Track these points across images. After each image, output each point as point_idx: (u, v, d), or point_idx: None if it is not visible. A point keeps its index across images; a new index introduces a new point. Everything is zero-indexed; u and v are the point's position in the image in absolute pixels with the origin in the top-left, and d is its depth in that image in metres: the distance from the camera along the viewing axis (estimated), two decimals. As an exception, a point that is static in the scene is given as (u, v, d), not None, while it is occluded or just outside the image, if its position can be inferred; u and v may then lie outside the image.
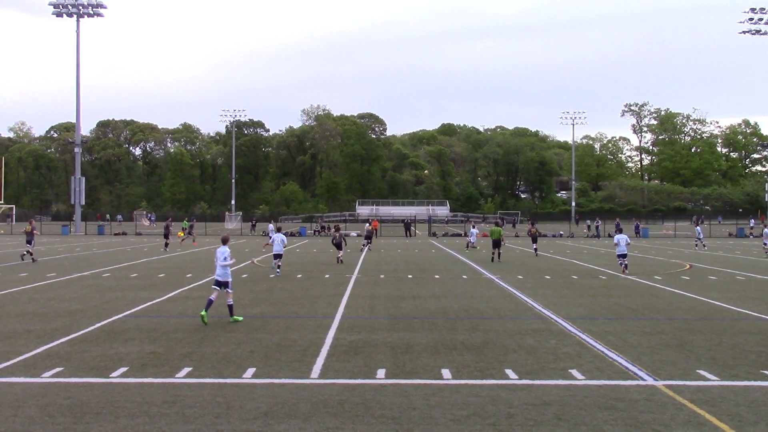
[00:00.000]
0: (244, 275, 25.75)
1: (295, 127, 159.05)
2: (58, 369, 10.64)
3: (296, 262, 32.85)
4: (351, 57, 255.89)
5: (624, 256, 27.20)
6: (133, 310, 16.71)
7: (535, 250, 37.89)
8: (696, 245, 44.97)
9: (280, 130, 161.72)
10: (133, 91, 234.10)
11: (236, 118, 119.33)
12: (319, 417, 8.23)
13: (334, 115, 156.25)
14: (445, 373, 10.39)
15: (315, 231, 70.98)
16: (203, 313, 14.66)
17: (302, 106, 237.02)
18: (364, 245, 41.14)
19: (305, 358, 11.40)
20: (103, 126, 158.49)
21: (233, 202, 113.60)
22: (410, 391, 9.36)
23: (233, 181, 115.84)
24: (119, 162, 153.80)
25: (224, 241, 15.87)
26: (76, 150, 75.93)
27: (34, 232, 32.80)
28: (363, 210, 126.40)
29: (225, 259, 15.22)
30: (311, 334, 13.58)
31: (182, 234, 56.93)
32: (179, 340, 12.94)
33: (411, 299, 18.88)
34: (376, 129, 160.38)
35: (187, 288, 21.45)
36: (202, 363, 11.01)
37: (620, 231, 31.53)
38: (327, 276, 25.48)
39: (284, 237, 26.39)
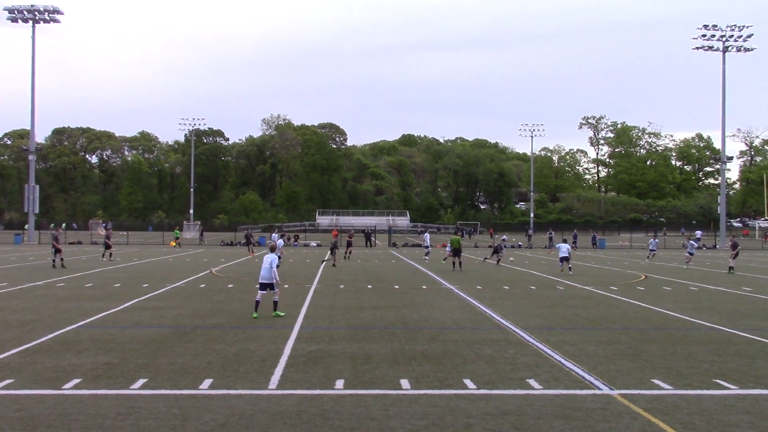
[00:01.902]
0: (202, 285, 25.46)
1: (255, 137, 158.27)
2: (8, 381, 10.38)
3: (255, 272, 32.54)
4: (312, 67, 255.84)
5: (566, 259, 31.60)
6: (87, 321, 16.39)
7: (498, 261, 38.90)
8: (648, 257, 45.51)
9: (240, 140, 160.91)
10: (90, 99, 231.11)
11: (195, 127, 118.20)
12: (276, 428, 8.15)
13: (295, 125, 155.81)
14: (404, 383, 10.38)
15: (244, 241, 70.38)
16: (255, 314, 17.01)
17: (262, 116, 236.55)
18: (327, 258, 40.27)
19: (263, 368, 11.30)
20: (59, 133, 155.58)
21: (192, 211, 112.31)
22: (369, 402, 9.34)
23: (192, 190, 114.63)
24: (75, 170, 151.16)
25: (272, 249, 18.17)
26: (31, 158, 74.40)
27: None
28: (323, 220, 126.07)
29: (271, 264, 17.10)
30: (270, 344, 13.47)
31: (174, 243, 59.32)
32: (134, 351, 12.72)
33: (370, 309, 18.86)
34: (337, 139, 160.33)
35: (143, 298, 21.12)
36: (157, 374, 10.84)
37: (564, 242, 33.17)
38: (286, 286, 25.30)
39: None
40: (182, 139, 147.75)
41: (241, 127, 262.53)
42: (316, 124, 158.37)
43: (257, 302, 17.29)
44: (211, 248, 59.80)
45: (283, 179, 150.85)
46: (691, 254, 41.77)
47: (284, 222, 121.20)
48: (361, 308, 19.08)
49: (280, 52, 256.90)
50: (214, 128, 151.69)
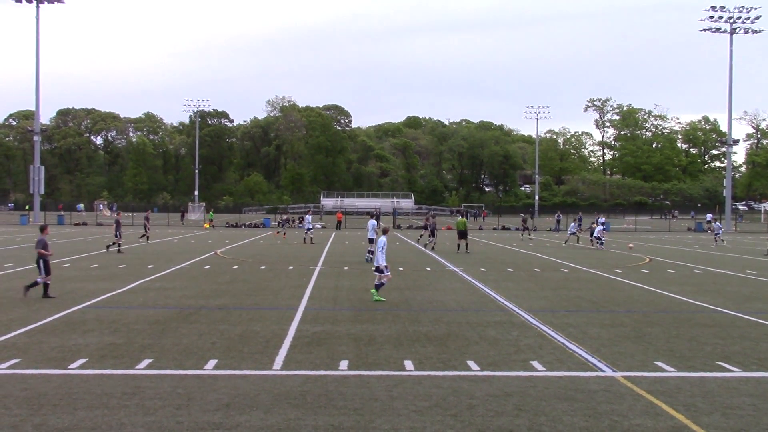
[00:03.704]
0: (207, 266, 25.54)
1: (259, 118, 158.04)
2: (15, 360, 10.46)
3: (260, 253, 32.67)
4: (317, 49, 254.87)
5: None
6: (92, 301, 16.47)
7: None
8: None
9: (245, 121, 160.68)
10: (95, 80, 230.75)
11: (200, 108, 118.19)
12: (280, 408, 8.21)
13: (300, 107, 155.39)
14: (408, 364, 10.42)
15: (279, 222, 70.61)
16: (377, 296, 17.01)
17: (267, 97, 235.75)
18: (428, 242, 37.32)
19: (268, 349, 11.35)
20: (64, 114, 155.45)
21: (196, 192, 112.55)
22: (372, 383, 9.38)
23: (196, 171, 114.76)
24: (80, 151, 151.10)
25: (385, 232, 18.53)
26: (36, 138, 74.47)
27: None
28: (327, 202, 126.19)
29: (379, 247, 17.25)
30: (274, 325, 13.52)
31: (207, 225, 60.69)
32: (140, 331, 12.79)
33: (375, 291, 18.88)
34: (342, 121, 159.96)
35: (148, 279, 21.20)
36: (162, 355, 10.91)
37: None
38: (291, 267, 25.39)
39: (375, 222, 28.45)
40: (187, 121, 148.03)
41: (245, 108, 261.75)
42: (320, 106, 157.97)
43: (376, 285, 17.35)
44: (215, 229, 59.90)
45: (288, 161, 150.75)
46: (718, 235, 41.99)
47: (289, 204, 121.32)
48: (366, 290, 19.10)
49: (285, 34, 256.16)
50: (219, 110, 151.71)
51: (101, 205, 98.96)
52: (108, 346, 11.50)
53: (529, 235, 50.07)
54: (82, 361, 10.45)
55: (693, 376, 9.97)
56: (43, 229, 18.32)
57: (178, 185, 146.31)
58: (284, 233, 47.77)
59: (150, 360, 10.53)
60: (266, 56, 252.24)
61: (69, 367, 10.10)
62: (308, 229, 40.17)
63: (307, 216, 41.36)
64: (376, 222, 28.92)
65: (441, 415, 8.04)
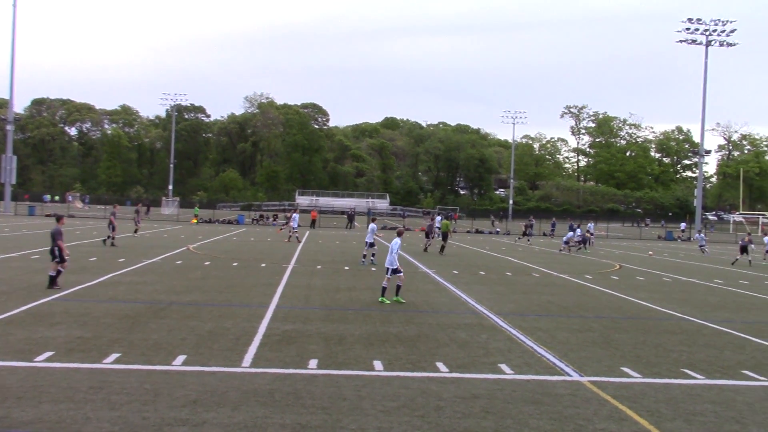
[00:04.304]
0: (179, 262, 25.37)
1: (236, 114, 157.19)
2: (-21, 352, 10.32)
3: (232, 250, 32.52)
4: (296, 47, 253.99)
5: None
6: (61, 294, 16.30)
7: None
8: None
9: (222, 117, 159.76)
10: (71, 70, 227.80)
11: (177, 102, 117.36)
12: (248, 406, 8.20)
13: (277, 104, 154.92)
14: (377, 364, 10.46)
15: (253, 219, 70.37)
16: (398, 298, 16.97)
17: (245, 93, 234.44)
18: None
19: (237, 346, 11.32)
20: (38, 104, 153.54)
21: (171, 187, 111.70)
22: (341, 382, 9.40)
23: (172, 166, 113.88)
24: (53, 142, 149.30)
25: (399, 234, 18.17)
26: (9, 127, 73.45)
27: None
28: (303, 200, 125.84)
29: (391, 249, 17.03)
30: (245, 322, 13.48)
31: (195, 221, 60.56)
32: (108, 325, 12.68)
33: (346, 291, 18.92)
34: (319, 119, 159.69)
35: (119, 273, 21.02)
36: (131, 349, 10.83)
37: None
38: (263, 265, 25.31)
39: (375, 226, 28.45)
40: (163, 114, 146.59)
41: (223, 104, 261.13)
42: (298, 104, 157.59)
43: (397, 287, 17.22)
44: (188, 225, 59.51)
45: (264, 158, 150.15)
46: (703, 246, 42.69)
47: (264, 201, 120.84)
48: (338, 289, 19.13)
49: (265, 32, 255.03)
50: (196, 104, 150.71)
51: (71, 197, 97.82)
52: (76, 339, 11.40)
53: (528, 240, 50.72)
54: (48, 354, 10.35)
55: (658, 383, 10.11)
56: (59, 219, 18.44)
57: (152, 179, 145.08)
58: (286, 228, 48.03)
59: (118, 354, 10.45)
60: (245, 53, 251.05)
61: (35, 360, 9.99)
62: (294, 228, 40.32)
63: (294, 215, 41.60)
64: (376, 227, 28.82)
65: (408, 415, 8.08)
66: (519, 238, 53.01)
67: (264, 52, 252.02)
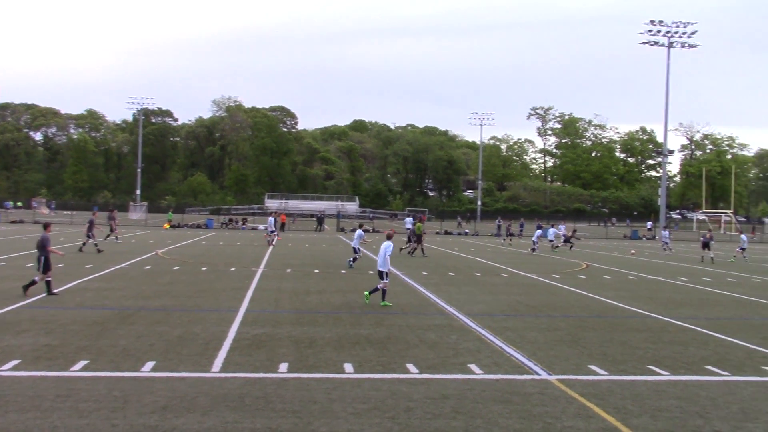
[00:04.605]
0: (147, 267, 25.15)
1: (204, 118, 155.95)
2: (-57, 362, 10.16)
3: (202, 254, 32.30)
4: (264, 50, 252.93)
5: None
6: (27, 301, 16.06)
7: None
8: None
9: (189, 120, 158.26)
10: (35, 75, 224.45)
11: (144, 106, 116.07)
12: (218, 411, 8.18)
13: (246, 107, 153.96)
14: (348, 367, 10.49)
15: (222, 223, 69.94)
16: (383, 301, 16.95)
17: (213, 97, 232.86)
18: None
19: (207, 351, 11.27)
20: (2, 109, 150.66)
21: (138, 192, 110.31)
22: (312, 385, 9.42)
23: (139, 170, 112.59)
24: (18, 147, 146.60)
25: (388, 237, 18.00)
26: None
27: None
28: (272, 204, 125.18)
29: (385, 252, 16.90)
30: (214, 327, 13.43)
31: (167, 226, 61.72)
32: (76, 332, 12.55)
33: (316, 294, 18.92)
34: (288, 122, 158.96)
35: (86, 279, 20.78)
36: (99, 356, 10.74)
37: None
38: (233, 269, 25.19)
39: (362, 233, 28.42)
40: (130, 119, 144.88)
41: (190, 107, 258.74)
42: (267, 107, 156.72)
43: (376, 289, 17.21)
44: (157, 230, 58.94)
45: (233, 161, 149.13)
46: (667, 243, 43.16)
47: (232, 205, 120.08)
48: (308, 292, 19.12)
49: (232, 35, 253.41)
50: (163, 108, 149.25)
51: (35, 203, 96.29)
52: (42, 347, 11.26)
53: (509, 241, 51.42)
54: (14, 362, 10.21)
55: (624, 380, 10.28)
56: (46, 226, 18.11)
57: (119, 184, 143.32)
58: (277, 234, 47.98)
59: (85, 362, 10.35)
60: (212, 56, 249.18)
61: (1, 368, 9.86)
62: (271, 231, 40.26)
63: (270, 218, 41.49)
64: (364, 232, 28.65)
65: (379, 417, 8.13)
66: (504, 239, 53.54)
67: (231, 55, 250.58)
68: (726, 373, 10.84)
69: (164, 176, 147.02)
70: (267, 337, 12.56)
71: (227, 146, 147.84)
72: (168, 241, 42.36)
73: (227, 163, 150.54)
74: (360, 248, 27.67)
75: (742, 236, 40.27)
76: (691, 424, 8.27)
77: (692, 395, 9.53)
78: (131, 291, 18.43)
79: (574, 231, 49.41)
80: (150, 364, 10.28)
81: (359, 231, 28.47)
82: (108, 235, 38.46)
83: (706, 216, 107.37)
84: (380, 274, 17.11)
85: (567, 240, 44.99)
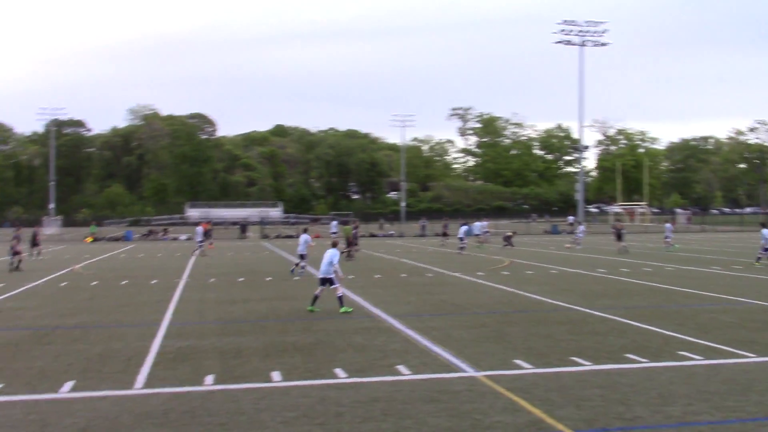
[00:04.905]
0: (64, 283, 24.32)
1: (120, 127, 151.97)
2: None
3: (121, 268, 31.45)
4: (179, 56, 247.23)
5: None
6: (-66, 326, 15.31)
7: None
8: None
9: (104, 130, 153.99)
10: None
11: (55, 117, 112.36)
12: (142, 428, 7.96)
13: (162, 115, 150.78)
14: (275, 375, 10.37)
15: (143, 235, 68.30)
16: (310, 307, 16.79)
17: (128, 105, 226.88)
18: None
19: (129, 368, 10.97)
20: None
21: (52, 205, 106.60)
22: (239, 396, 9.27)
23: (52, 183, 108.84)
24: None
25: (334, 245, 17.95)
26: None
27: None
28: (193, 212, 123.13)
29: (332, 259, 16.70)
30: (136, 342, 13.08)
31: (90, 239, 60.14)
32: (-12, 355, 12.01)
33: (242, 302, 18.67)
34: (207, 129, 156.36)
35: (-2, 299, 19.95)
36: (14, 379, 10.30)
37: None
38: (154, 281, 24.61)
39: (309, 237, 27.38)
40: (41, 130, 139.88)
41: (105, 117, 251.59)
42: (185, 114, 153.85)
43: (315, 296, 16.87)
44: (74, 244, 57.09)
45: (151, 171, 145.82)
46: (578, 237, 44.17)
47: (152, 215, 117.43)
48: (232, 302, 18.85)
49: (146, 41, 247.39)
50: (76, 118, 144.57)
51: None
52: (-48, 373, 10.74)
53: (444, 242, 50.90)
54: None
55: (549, 372, 10.49)
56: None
57: (32, 198, 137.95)
58: (211, 243, 47.10)
59: (0, 385, 9.92)
60: (124, 64, 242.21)
61: None
62: (200, 242, 39.18)
63: (198, 228, 40.52)
64: (309, 237, 27.47)
65: (308, 424, 8.06)
66: (442, 242, 52.27)
67: (145, 62, 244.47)
68: (645, 360, 11.19)
69: (79, 188, 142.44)
70: (191, 350, 12.32)
71: (145, 155, 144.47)
72: (85, 255, 41.09)
73: (145, 173, 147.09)
74: (306, 254, 26.72)
75: (667, 225, 41.80)
76: (613, 411, 8.49)
77: (614, 383, 9.80)
78: (47, 309, 17.79)
79: (514, 233, 49.94)
80: (69, 385, 9.93)
81: (305, 236, 27.42)
82: (38, 252, 37.63)
83: (623, 208, 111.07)
84: (322, 281, 16.86)
85: (507, 239, 45.84)
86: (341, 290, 16.97)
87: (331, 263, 16.74)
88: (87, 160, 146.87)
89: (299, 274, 26.21)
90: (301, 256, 26.70)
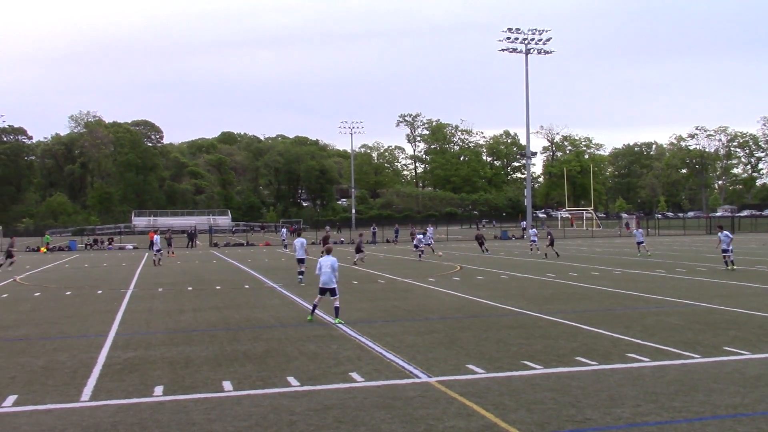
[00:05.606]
0: (4, 295, 23.63)
1: (62, 135, 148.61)
2: None
3: (65, 278, 30.69)
4: (123, 62, 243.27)
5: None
6: None
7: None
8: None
9: (45, 138, 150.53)
10: None
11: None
12: (90, 442, 7.75)
13: (106, 122, 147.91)
14: (227, 385, 10.22)
15: (87, 245, 66.83)
16: (310, 317, 16.53)
17: (70, 112, 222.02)
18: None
19: (75, 380, 10.68)
20: None
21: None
22: (190, 406, 9.10)
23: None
24: None
25: (329, 251, 17.01)
26: None
27: None
28: (140, 221, 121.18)
29: (332, 267, 16.22)
30: (82, 354, 12.76)
31: (44, 249, 59.43)
32: (-75, 370, 11.57)
33: (191, 312, 18.39)
34: (152, 137, 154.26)
35: (-65, 312, 19.25)
36: (-47, 394, 9.94)
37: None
38: (100, 292, 24.08)
39: (304, 240, 26.48)
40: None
41: (46, 124, 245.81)
42: (129, 122, 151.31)
43: (314, 306, 16.57)
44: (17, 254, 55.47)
45: (95, 179, 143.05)
46: (534, 242, 44.47)
47: (97, 224, 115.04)
48: (181, 311, 18.55)
49: (87, 46, 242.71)
50: (15, 126, 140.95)
51: None
52: None
53: (394, 243, 51.41)
54: None
55: (501, 376, 10.56)
56: None
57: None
58: (172, 252, 47.05)
59: (-63, 401, 9.56)
60: (67, 69, 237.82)
61: None
62: (157, 251, 38.67)
63: (155, 236, 39.87)
64: (305, 240, 26.48)
65: (261, 434, 7.95)
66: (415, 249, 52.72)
67: (87, 68, 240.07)
68: (594, 363, 11.34)
69: (20, 198, 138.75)
70: (140, 360, 12.06)
71: (88, 163, 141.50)
72: (27, 266, 40.02)
73: (89, 182, 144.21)
74: (305, 257, 26.02)
75: (637, 231, 42.34)
76: (564, 413, 8.58)
77: (564, 386, 9.90)
78: (-12, 321, 17.23)
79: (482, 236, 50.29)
80: (12, 399, 9.62)
81: (301, 239, 26.43)
82: (11, 263, 36.84)
83: (570, 213, 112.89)
84: (322, 291, 16.23)
85: (480, 243, 46.61)
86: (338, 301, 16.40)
87: (333, 270, 16.23)
88: (28, 169, 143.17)
89: (299, 280, 25.56)
90: (300, 261, 26.08)
